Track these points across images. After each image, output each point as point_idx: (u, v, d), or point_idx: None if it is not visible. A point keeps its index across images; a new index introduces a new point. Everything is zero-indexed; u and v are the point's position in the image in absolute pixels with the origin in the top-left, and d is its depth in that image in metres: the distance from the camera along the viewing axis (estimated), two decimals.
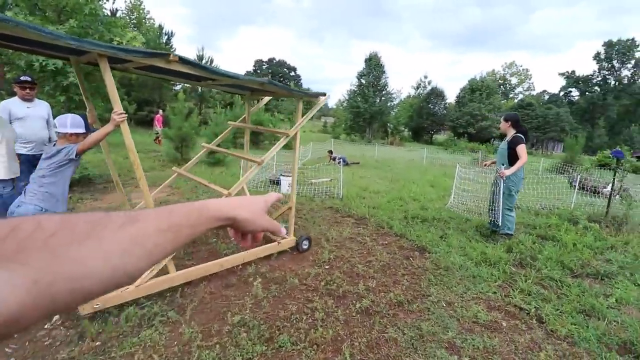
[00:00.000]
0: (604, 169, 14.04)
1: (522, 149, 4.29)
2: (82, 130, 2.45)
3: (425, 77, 47.84)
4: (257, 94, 4.25)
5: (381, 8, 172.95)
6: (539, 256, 4.02)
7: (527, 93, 57.52)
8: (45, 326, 2.37)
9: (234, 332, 2.42)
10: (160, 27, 25.94)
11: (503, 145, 4.57)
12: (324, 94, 3.74)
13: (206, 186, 3.36)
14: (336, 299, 2.95)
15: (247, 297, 2.89)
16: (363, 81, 34.40)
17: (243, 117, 4.46)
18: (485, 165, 5.31)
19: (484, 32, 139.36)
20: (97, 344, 2.24)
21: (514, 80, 59.60)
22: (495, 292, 3.23)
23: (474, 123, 36.70)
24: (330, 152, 13.09)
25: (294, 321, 2.59)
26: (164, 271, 2.76)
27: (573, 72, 48.78)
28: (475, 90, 38.31)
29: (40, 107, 4.48)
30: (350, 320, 2.67)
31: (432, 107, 41.05)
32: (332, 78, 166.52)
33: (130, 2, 25.89)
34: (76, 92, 5.49)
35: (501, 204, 4.41)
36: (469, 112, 36.88)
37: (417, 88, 46.29)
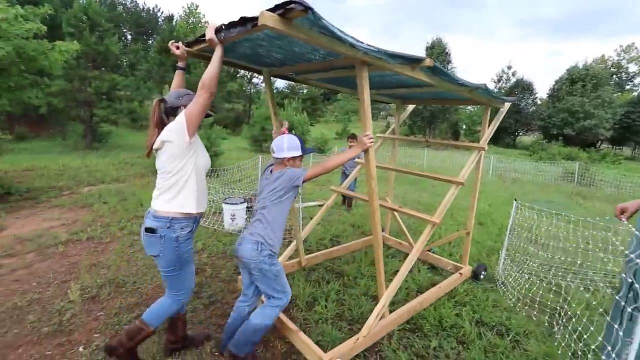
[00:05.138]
0: None
1: None
2: (299, 152, 2.13)
3: (509, 67, 40.50)
4: (408, 102, 4.06)
5: None
6: None
7: None
8: None
9: None
10: None
11: None
12: (515, 99, 3.80)
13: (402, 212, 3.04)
14: None
15: None
16: None
17: (392, 127, 4.12)
18: (620, 213, 1.83)
19: (590, 15, 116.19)
20: None
21: (632, 68, 47.19)
22: None
23: (572, 122, 29.24)
24: (353, 135, 6.33)
25: None
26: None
27: None
28: (576, 80, 30.60)
29: None
30: None
31: (516, 103, 34.30)
32: None
33: (187, 7, 26.49)
34: None
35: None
36: (566, 108, 29.48)
37: (499, 81, 39.42)
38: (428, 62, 2.09)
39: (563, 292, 2.97)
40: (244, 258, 2.03)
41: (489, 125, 3.27)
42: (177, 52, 2.09)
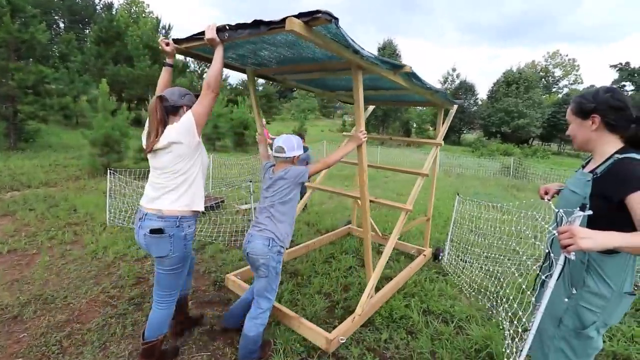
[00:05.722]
0: None
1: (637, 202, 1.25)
2: (302, 151, 2.29)
3: (454, 69, 43.23)
4: (370, 103, 4.34)
5: (415, 2, 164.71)
6: None
7: (573, 87, 50.82)
8: None
9: None
10: (158, 21, 24.35)
11: (578, 182, 1.48)
12: (463, 102, 4.21)
13: (377, 202, 3.19)
14: None
15: None
16: None
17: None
18: (544, 193, 1.85)
19: (525, 23, 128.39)
20: None
21: (557, 72, 52.93)
22: None
23: (509, 121, 32.09)
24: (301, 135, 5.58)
25: None
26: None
27: (627, 63, 41.37)
28: (511, 83, 33.57)
29: None
30: None
31: (462, 105, 36.65)
32: None
33: None
34: None
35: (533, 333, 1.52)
36: (503, 108, 32.27)
37: (445, 82, 41.87)
38: (407, 68, 2.42)
39: (495, 278, 3.23)
40: (254, 254, 2.10)
41: (442, 124, 3.70)
42: (167, 48, 2.07)
